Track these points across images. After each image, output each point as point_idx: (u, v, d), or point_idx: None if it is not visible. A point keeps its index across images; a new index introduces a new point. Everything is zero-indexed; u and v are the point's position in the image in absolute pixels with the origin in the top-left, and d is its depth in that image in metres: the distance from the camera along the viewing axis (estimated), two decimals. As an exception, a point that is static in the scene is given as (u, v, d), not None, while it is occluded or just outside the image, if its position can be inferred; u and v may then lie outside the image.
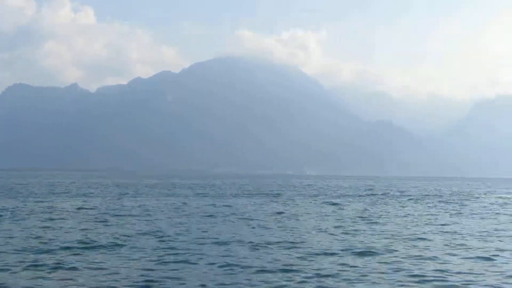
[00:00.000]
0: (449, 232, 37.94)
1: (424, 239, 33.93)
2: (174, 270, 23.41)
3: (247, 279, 21.48)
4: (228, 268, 23.81)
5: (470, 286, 20.93)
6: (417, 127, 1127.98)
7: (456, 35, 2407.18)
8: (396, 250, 28.82)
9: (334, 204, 66.77)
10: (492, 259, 26.80)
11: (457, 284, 21.20)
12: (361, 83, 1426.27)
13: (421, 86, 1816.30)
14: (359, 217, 48.20)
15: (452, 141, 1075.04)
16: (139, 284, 20.71)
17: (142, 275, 22.05)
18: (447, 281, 21.85)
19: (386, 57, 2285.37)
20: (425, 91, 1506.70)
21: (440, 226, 41.40)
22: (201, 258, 26.11)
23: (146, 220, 43.38)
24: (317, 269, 23.62)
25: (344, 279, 21.73)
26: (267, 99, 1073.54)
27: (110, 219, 43.81)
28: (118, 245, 29.60)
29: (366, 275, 22.55)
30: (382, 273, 23.21)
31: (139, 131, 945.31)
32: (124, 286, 20.43)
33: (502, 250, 29.34)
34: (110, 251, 27.95)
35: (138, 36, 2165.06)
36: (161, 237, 33.36)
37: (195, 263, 24.95)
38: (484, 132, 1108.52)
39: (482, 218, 48.92)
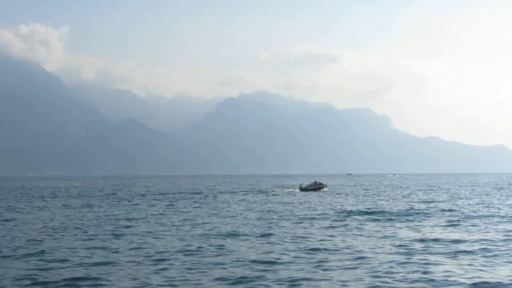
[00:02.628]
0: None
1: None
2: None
3: None
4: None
5: None
6: (163, 125, 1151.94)
7: (201, 38, 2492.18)
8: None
9: None
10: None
11: None
12: (105, 82, 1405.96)
13: (167, 86, 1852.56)
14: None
15: (198, 137, 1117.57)
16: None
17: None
18: None
19: (131, 55, 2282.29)
20: (171, 91, 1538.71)
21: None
22: None
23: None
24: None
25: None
26: (4, 96, 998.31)
27: None
28: None
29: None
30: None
31: None
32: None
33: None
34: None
35: None
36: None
37: None
38: (228, 129, 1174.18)
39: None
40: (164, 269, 21.46)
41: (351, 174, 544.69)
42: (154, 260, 23.30)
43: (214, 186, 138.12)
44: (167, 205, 59.02)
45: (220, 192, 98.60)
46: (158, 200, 70.94)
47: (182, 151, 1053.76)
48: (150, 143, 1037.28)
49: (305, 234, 32.02)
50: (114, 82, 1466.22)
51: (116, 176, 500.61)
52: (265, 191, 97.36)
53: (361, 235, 31.04)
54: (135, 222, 39.24)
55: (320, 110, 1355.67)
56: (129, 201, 67.58)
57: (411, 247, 26.29)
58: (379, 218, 41.63)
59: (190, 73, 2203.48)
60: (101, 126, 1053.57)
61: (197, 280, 19.53)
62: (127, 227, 36.36)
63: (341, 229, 34.54)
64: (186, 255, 24.73)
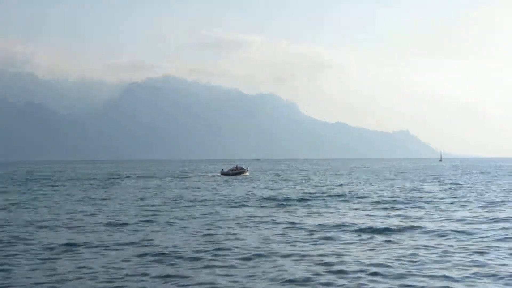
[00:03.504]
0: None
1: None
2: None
3: None
4: None
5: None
6: (68, 109, 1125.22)
7: (105, 20, 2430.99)
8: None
9: None
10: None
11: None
12: (4, 63, 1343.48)
13: (71, 69, 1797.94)
14: None
15: (103, 123, 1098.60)
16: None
17: None
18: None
19: (32, 36, 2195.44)
20: (75, 73, 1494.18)
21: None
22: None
23: None
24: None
25: None
26: None
27: None
28: None
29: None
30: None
31: None
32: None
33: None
34: None
35: None
36: None
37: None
38: (133, 114, 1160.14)
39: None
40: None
41: (259, 159, 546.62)
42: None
43: (118, 171, 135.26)
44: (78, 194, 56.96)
45: (127, 176, 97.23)
46: (56, 186, 68.52)
47: (86, 136, 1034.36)
48: (54, 127, 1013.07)
49: (209, 222, 30.68)
50: (14, 64, 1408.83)
51: (19, 162, 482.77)
52: (186, 175, 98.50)
53: (265, 222, 30.22)
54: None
55: (227, 96, 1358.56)
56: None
57: (315, 234, 25.70)
58: (285, 204, 41.30)
59: (95, 56, 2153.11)
60: (1, 111, 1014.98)
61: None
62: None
63: (245, 216, 33.43)
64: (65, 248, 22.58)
